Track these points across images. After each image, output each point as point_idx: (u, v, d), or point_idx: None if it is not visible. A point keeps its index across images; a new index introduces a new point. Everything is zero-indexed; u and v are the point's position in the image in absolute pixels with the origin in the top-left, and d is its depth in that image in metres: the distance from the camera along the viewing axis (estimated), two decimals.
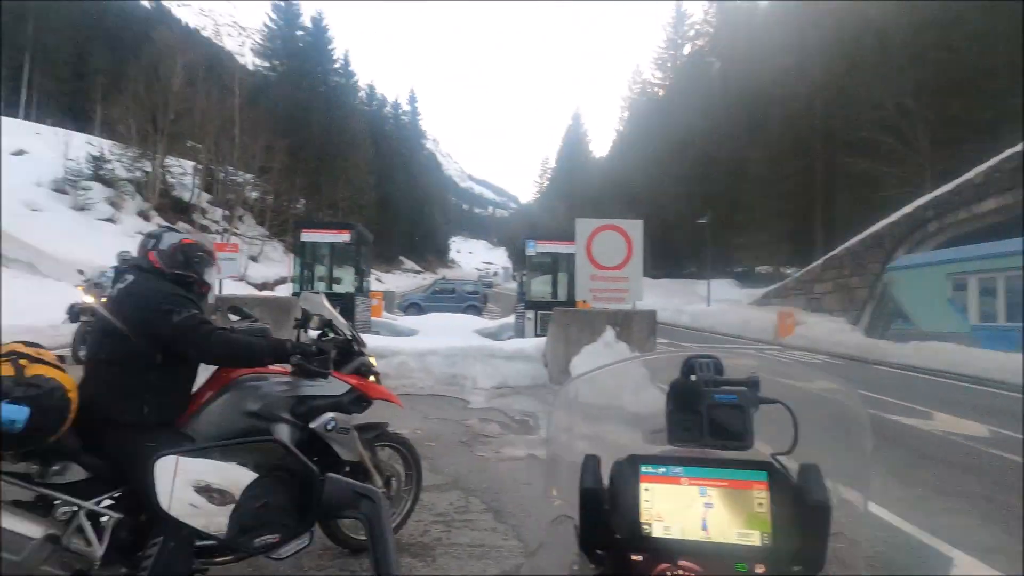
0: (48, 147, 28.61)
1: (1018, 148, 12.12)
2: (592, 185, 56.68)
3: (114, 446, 2.04)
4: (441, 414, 6.14)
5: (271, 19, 48.54)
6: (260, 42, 50.82)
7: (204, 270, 2.44)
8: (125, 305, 2.17)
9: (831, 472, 0.74)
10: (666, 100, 46.89)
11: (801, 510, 0.71)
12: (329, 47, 51.21)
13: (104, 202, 27.24)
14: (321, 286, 12.98)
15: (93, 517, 1.94)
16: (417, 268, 73.64)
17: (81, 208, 25.71)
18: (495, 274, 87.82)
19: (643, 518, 0.75)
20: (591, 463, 0.80)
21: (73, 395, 1.86)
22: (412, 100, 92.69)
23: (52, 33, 55.59)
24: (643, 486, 0.76)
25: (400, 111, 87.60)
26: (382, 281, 40.35)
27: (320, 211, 46.08)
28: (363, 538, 2.83)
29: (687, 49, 47.25)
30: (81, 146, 29.14)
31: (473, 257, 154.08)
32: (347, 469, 2.75)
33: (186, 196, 35.07)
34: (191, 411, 2.30)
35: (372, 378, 2.89)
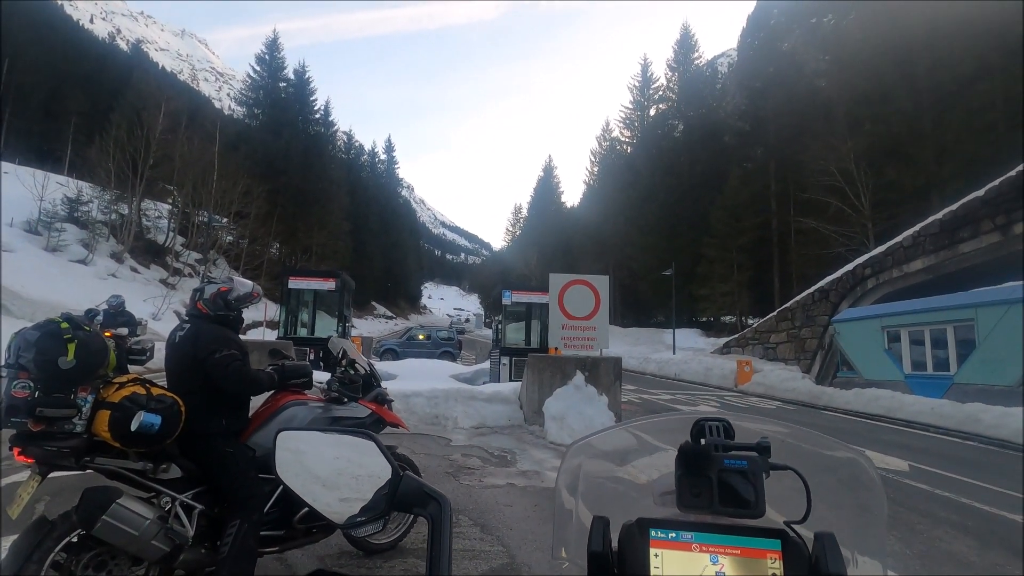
0: (19, 187, 28.37)
1: (938, 216, 13.72)
2: (563, 234, 58.38)
3: (201, 452, 2.64)
4: (427, 450, 6.68)
5: (254, 70, 49.84)
6: (241, 91, 52.13)
7: (243, 308, 3.04)
8: (186, 345, 2.79)
9: (847, 541, 0.72)
10: (633, 157, 49.38)
11: None
12: (311, 98, 52.61)
13: (77, 244, 27.13)
14: (304, 332, 13.40)
15: (185, 508, 2.54)
16: (389, 314, 73.45)
17: (54, 250, 25.55)
18: (467, 320, 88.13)
19: None
20: (599, 525, 0.78)
21: (183, 410, 2.48)
22: (388, 148, 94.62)
23: (27, 73, 55.65)
24: (652, 551, 0.74)
25: (377, 159, 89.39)
26: (356, 327, 40.37)
27: (294, 256, 46.30)
28: (379, 541, 3.43)
29: (652, 111, 50.16)
30: (53, 187, 28.97)
31: (445, 303, 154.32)
32: None
33: (160, 239, 35.04)
34: (253, 427, 2.92)
35: (386, 406, 3.54)
